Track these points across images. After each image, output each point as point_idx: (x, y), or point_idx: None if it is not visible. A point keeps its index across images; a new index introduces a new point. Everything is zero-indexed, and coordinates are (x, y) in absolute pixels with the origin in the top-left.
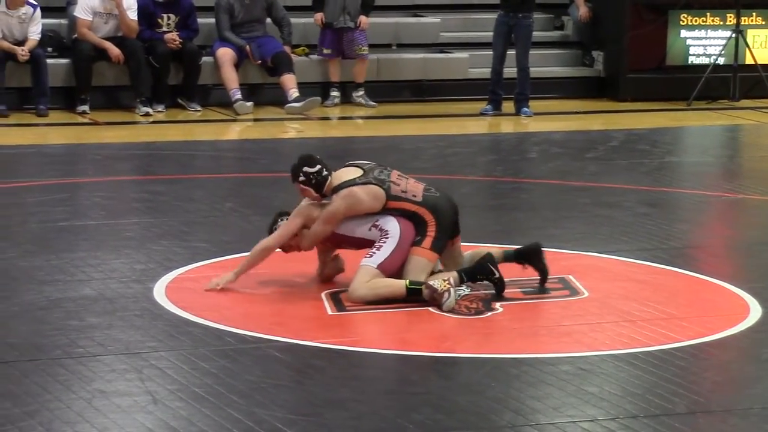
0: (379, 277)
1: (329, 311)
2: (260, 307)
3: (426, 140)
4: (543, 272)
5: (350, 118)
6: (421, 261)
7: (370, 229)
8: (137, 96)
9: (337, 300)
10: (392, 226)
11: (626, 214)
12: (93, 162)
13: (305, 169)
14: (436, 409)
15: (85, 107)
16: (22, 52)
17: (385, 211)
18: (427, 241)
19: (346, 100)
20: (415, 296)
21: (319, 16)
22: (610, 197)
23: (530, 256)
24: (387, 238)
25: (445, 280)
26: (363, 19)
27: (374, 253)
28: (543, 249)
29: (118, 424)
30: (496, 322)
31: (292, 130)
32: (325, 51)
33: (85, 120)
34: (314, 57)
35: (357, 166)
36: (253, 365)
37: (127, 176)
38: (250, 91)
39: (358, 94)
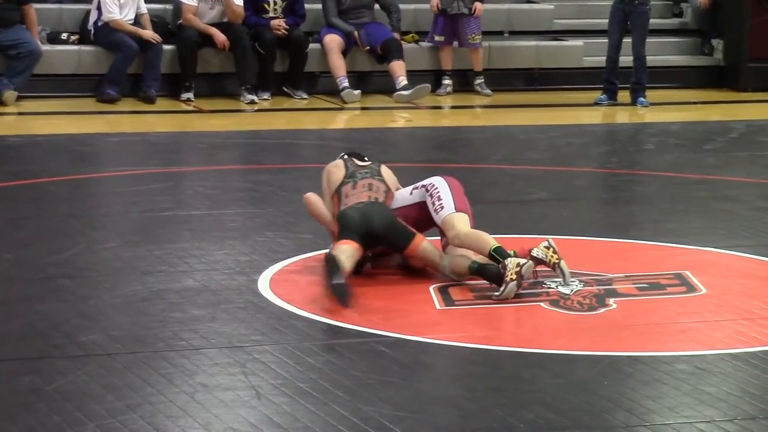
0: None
1: (437, 306)
2: (366, 301)
3: (538, 130)
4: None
5: (461, 107)
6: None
7: (411, 193)
8: (242, 83)
9: (445, 294)
10: (430, 179)
11: (746, 208)
12: (197, 150)
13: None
14: (548, 408)
15: (190, 95)
16: (153, 36)
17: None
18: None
19: (460, 88)
20: (494, 261)
21: (435, 2)
22: (730, 190)
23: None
24: (434, 188)
25: (517, 265)
26: (478, 5)
27: (439, 204)
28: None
29: (221, 419)
30: (610, 318)
31: (400, 119)
32: (437, 38)
33: (190, 108)
34: (424, 44)
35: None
36: (359, 360)
37: (231, 165)
38: (357, 79)
39: (477, 83)
